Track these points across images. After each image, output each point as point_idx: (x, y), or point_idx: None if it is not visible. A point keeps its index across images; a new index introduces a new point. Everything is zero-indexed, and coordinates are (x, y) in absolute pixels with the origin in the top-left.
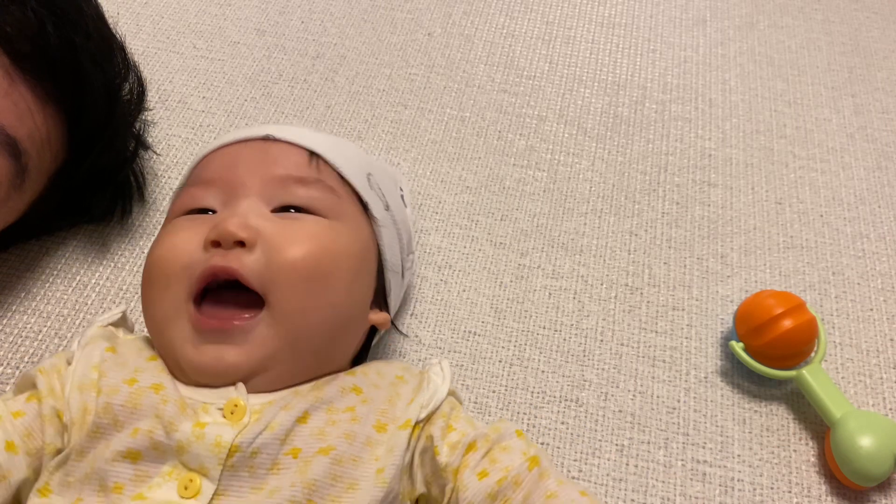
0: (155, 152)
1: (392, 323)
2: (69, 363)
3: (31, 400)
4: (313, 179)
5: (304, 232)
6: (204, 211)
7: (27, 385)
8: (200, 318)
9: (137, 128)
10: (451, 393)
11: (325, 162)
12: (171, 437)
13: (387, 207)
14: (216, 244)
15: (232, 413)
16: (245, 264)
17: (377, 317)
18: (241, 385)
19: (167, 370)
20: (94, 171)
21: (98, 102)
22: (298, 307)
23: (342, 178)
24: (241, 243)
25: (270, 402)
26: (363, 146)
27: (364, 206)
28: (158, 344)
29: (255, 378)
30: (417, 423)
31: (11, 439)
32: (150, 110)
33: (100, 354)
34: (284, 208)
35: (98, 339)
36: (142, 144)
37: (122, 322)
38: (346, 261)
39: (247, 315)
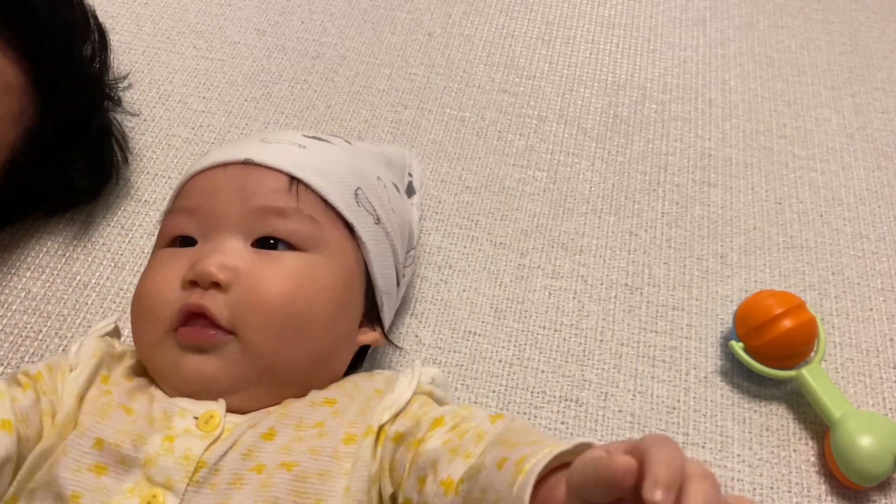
0: (130, 113)
1: (386, 337)
2: (72, 370)
3: (27, 389)
4: (292, 210)
5: (280, 272)
6: (186, 238)
7: (27, 377)
8: (182, 332)
9: (103, 78)
10: (428, 394)
11: (307, 186)
12: (140, 450)
13: (377, 221)
14: (194, 284)
15: (206, 423)
16: (217, 304)
17: (367, 337)
18: (222, 401)
19: (146, 389)
20: (63, 125)
21: (56, 45)
22: (269, 347)
23: (326, 201)
24: (217, 284)
25: (243, 422)
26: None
27: (350, 228)
28: (147, 365)
29: (236, 395)
30: (381, 427)
31: (8, 418)
32: (124, 77)
33: (98, 385)
34: (264, 240)
35: (99, 354)
36: (108, 96)
37: (115, 333)
38: (324, 296)
39: (222, 331)
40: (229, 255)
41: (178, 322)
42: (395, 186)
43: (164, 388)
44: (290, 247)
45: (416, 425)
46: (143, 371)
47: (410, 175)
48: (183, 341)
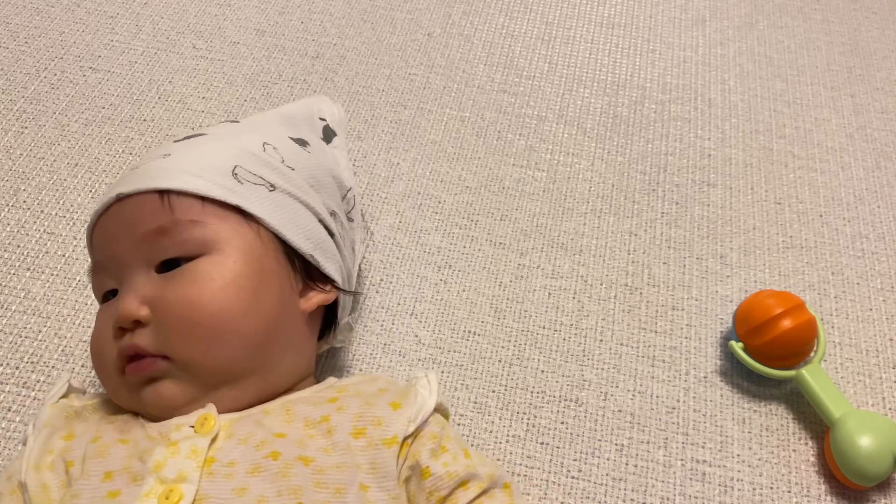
0: None
1: (339, 289)
2: (24, 444)
3: None
4: (170, 223)
5: (184, 286)
6: (113, 290)
7: None
8: (128, 370)
9: None
10: (439, 407)
11: (177, 192)
12: (148, 462)
13: (272, 188)
14: (123, 329)
15: (202, 426)
16: (145, 338)
17: (314, 300)
18: (210, 404)
19: (134, 421)
20: None
21: None
22: (199, 356)
23: (201, 196)
24: (139, 322)
25: (239, 418)
26: (362, 146)
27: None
28: (117, 403)
29: (210, 399)
30: (405, 439)
31: None
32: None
33: (60, 444)
34: (166, 263)
35: (53, 422)
36: None
37: (71, 390)
38: (234, 289)
39: (158, 359)
40: (140, 290)
41: (122, 366)
42: (298, 141)
43: (146, 417)
44: (189, 258)
45: (444, 477)
46: (120, 409)
47: (323, 119)
48: (132, 378)
